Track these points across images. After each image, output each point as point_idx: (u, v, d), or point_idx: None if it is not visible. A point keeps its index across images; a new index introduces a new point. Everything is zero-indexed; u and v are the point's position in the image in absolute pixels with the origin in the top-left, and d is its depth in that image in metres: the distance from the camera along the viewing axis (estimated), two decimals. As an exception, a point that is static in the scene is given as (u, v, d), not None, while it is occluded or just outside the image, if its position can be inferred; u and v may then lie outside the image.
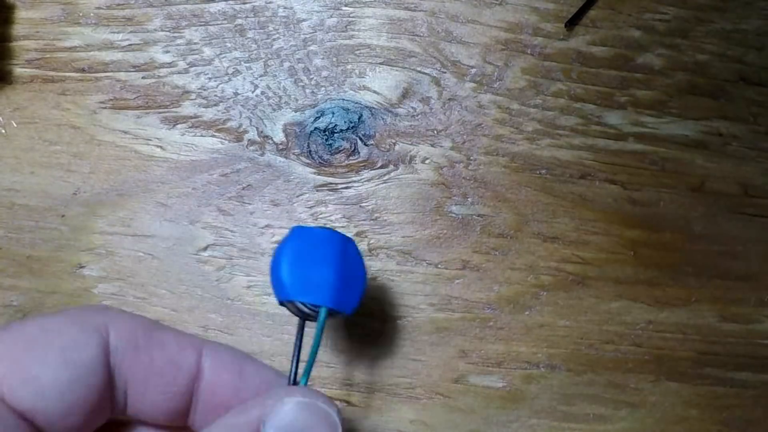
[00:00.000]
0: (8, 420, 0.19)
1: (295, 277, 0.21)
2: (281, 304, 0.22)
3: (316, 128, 0.29)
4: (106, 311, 0.21)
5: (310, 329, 0.22)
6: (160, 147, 0.29)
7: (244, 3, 0.29)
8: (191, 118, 0.29)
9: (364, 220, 0.28)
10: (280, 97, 0.29)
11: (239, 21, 0.29)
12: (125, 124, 0.29)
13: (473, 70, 0.29)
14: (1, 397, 0.19)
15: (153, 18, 0.29)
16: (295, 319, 0.22)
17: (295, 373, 0.22)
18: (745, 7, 0.30)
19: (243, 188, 0.29)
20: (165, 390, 0.21)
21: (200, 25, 0.29)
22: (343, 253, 0.22)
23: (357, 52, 0.29)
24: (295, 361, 0.22)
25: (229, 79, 0.29)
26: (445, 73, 0.29)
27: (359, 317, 0.28)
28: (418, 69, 0.29)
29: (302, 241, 0.22)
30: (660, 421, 0.28)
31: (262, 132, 0.29)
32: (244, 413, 0.19)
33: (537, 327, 0.28)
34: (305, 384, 0.21)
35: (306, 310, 0.21)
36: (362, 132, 0.29)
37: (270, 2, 0.29)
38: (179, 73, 0.29)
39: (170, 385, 0.21)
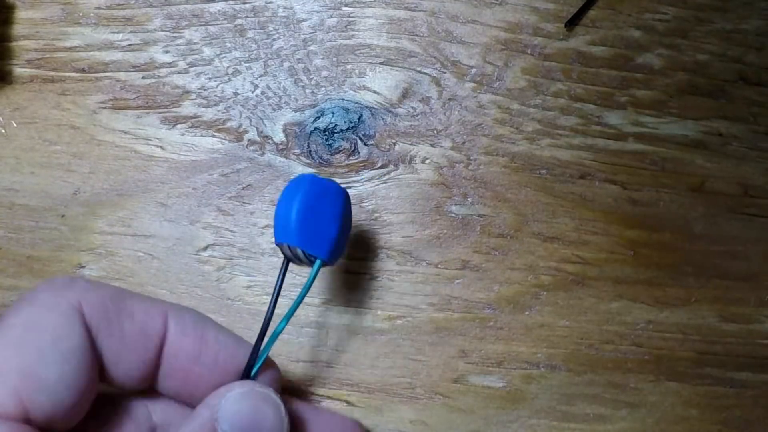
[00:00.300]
0: None
1: (303, 225, 0.22)
2: (278, 244, 0.22)
3: (316, 128, 0.29)
4: (73, 285, 0.21)
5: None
6: (160, 147, 0.29)
7: (244, 3, 0.29)
8: (191, 118, 0.29)
9: (364, 220, 0.28)
10: (280, 97, 0.29)
11: (239, 21, 0.29)
12: (125, 124, 0.29)
13: (473, 70, 0.29)
14: (26, 415, 0.19)
15: (153, 18, 0.29)
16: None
17: (270, 316, 0.22)
18: (745, 7, 0.30)
19: (243, 188, 0.29)
20: (136, 358, 0.21)
21: (200, 25, 0.29)
22: (344, 208, 0.23)
23: (357, 52, 0.29)
24: (273, 302, 0.22)
25: (229, 79, 0.29)
26: (445, 73, 0.29)
27: (358, 315, 0.28)
28: (418, 69, 0.29)
29: (313, 190, 0.22)
30: (660, 421, 0.28)
31: (262, 132, 0.29)
32: (196, 418, 0.21)
33: (537, 327, 0.28)
34: (268, 350, 0.22)
35: (302, 257, 0.22)
36: (362, 132, 0.29)
37: (270, 2, 0.29)
38: (179, 73, 0.29)
39: (141, 354, 0.21)
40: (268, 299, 0.28)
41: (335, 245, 0.23)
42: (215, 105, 0.29)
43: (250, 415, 0.21)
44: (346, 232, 0.24)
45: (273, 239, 0.28)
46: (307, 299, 0.28)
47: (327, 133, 0.29)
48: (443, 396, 0.28)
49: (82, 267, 0.28)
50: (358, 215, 0.28)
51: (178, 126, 0.29)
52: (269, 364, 0.23)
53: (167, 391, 0.22)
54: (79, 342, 0.20)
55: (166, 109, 0.29)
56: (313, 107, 0.29)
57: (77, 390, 0.20)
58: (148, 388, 0.22)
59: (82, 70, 0.29)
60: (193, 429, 0.20)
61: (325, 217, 0.23)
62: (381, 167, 0.29)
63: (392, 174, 0.29)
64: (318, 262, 0.22)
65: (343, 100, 0.29)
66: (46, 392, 0.19)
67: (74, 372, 0.19)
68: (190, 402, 0.22)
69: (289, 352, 0.28)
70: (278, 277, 0.23)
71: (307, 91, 0.29)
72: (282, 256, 0.23)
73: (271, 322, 0.22)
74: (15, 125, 0.29)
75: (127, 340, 0.21)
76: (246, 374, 0.22)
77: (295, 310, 0.22)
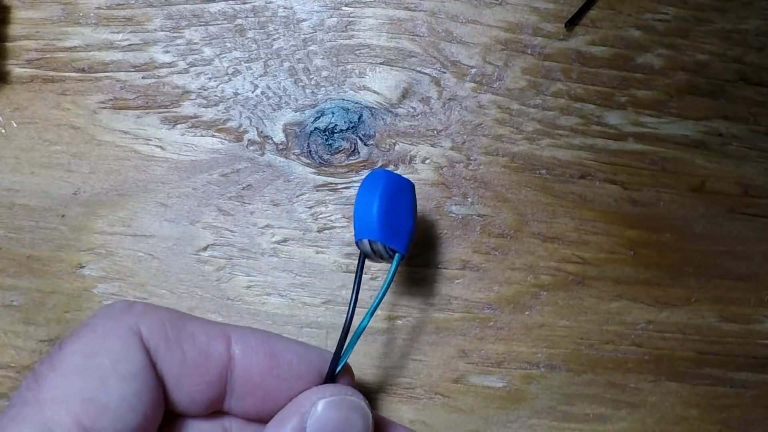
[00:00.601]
0: None
1: (384, 220, 0.23)
2: (358, 241, 0.23)
3: (316, 128, 0.29)
4: (131, 309, 0.21)
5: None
6: (160, 147, 0.29)
7: (244, 3, 0.29)
8: (191, 118, 0.29)
9: (364, 220, 0.28)
10: (280, 97, 0.29)
11: (239, 21, 0.29)
12: (125, 124, 0.29)
13: (473, 70, 0.29)
14: None
15: (153, 18, 0.29)
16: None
17: (352, 315, 0.23)
18: (745, 7, 0.30)
19: (243, 188, 0.29)
20: (199, 381, 0.21)
21: (200, 25, 0.29)
22: (415, 201, 0.24)
23: (357, 52, 0.29)
24: (353, 298, 0.23)
25: (229, 79, 0.29)
26: (445, 73, 0.29)
27: (358, 315, 0.28)
28: (418, 69, 0.29)
29: (389, 186, 0.23)
30: (660, 421, 0.28)
31: (262, 132, 0.29)
32: (285, 424, 0.20)
33: (537, 327, 0.28)
34: (350, 351, 0.22)
35: (382, 252, 0.23)
36: (362, 132, 0.29)
37: (270, 2, 0.29)
38: (179, 73, 0.29)
39: (204, 376, 0.21)
40: (268, 299, 0.28)
41: (411, 238, 0.23)
42: (215, 105, 0.29)
43: (340, 424, 0.21)
44: (415, 225, 0.24)
45: (273, 239, 0.28)
46: (307, 299, 0.28)
47: (327, 133, 0.29)
48: (443, 396, 0.28)
49: (82, 267, 0.28)
50: (358, 215, 0.28)
51: (178, 126, 0.29)
52: (345, 367, 0.23)
53: (241, 412, 0.22)
54: (140, 365, 0.20)
55: (166, 109, 0.29)
56: (313, 107, 0.29)
57: (140, 413, 0.19)
58: (216, 410, 0.22)
59: (82, 70, 0.29)
60: None
61: (401, 212, 0.23)
62: (381, 167, 0.29)
63: (392, 174, 0.29)
64: (398, 255, 0.23)
65: (343, 100, 0.29)
66: (109, 417, 0.19)
67: (136, 396, 0.19)
68: (265, 418, 0.22)
69: (289, 352, 0.28)
70: (356, 276, 0.23)
71: (307, 91, 0.29)
72: (358, 252, 0.23)
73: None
74: (15, 125, 0.29)
75: (188, 363, 0.21)
76: (329, 377, 0.22)
77: (376, 307, 0.23)
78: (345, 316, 0.22)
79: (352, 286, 0.22)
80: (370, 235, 0.23)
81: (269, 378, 0.22)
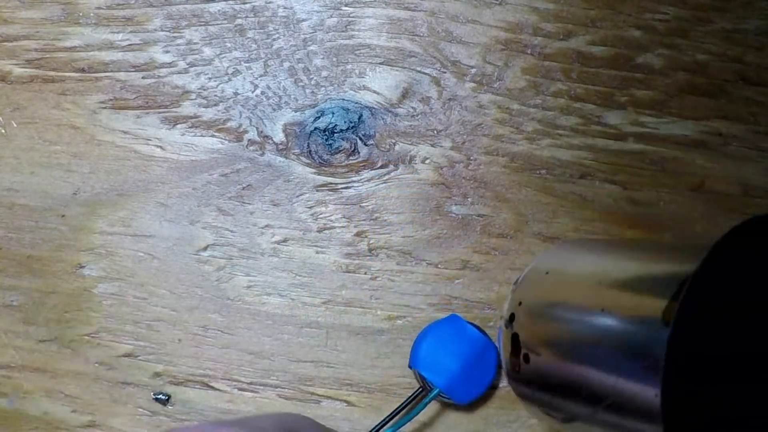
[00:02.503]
0: None
1: (427, 353, 0.26)
2: (411, 367, 0.26)
3: (316, 128, 0.29)
4: None
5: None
6: (160, 147, 0.29)
7: (244, 3, 0.29)
8: (191, 118, 0.29)
9: (364, 220, 0.28)
10: (280, 97, 0.29)
11: (239, 21, 0.29)
12: (125, 124, 0.29)
13: (473, 70, 0.29)
14: None
15: (153, 18, 0.29)
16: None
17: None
18: (745, 7, 0.30)
19: (243, 188, 0.29)
20: None
21: (200, 25, 0.29)
22: (481, 355, 0.26)
23: (357, 52, 0.29)
24: (393, 416, 0.26)
25: (229, 79, 0.29)
26: (445, 73, 0.29)
27: (358, 315, 0.28)
28: (418, 69, 0.29)
29: (451, 328, 0.26)
30: (660, 421, 0.28)
31: (262, 132, 0.29)
32: None
33: (537, 327, 0.28)
34: None
35: (424, 383, 0.26)
36: (362, 132, 0.29)
37: (270, 2, 0.29)
38: (179, 73, 0.29)
39: None
40: (268, 299, 0.28)
41: (457, 381, 0.26)
42: (215, 105, 0.29)
43: None
44: (482, 379, 0.26)
45: (273, 239, 0.28)
46: (307, 299, 0.28)
47: (327, 133, 0.29)
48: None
49: (82, 267, 0.28)
50: (358, 215, 0.28)
51: (178, 126, 0.29)
52: None
53: None
54: None
55: (166, 109, 0.29)
56: (313, 107, 0.29)
57: None
58: None
59: (82, 70, 0.29)
60: None
61: (453, 354, 0.26)
62: (381, 167, 0.29)
63: (392, 174, 0.29)
64: (436, 390, 0.26)
65: (343, 100, 0.29)
66: None
67: None
68: None
69: (290, 352, 0.28)
70: (408, 399, 0.26)
71: (307, 91, 0.29)
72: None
73: None
74: (15, 125, 0.29)
75: None
76: None
77: (404, 424, 0.25)
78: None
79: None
80: (413, 364, 0.26)
81: None
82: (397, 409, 0.26)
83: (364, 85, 0.29)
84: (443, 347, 0.26)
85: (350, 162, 0.29)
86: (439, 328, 0.27)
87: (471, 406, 0.28)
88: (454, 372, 0.26)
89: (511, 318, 0.23)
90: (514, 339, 0.22)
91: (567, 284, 0.22)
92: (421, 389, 0.26)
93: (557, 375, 0.20)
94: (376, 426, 0.25)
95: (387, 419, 0.25)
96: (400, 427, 0.25)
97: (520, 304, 0.23)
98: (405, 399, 0.26)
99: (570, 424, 0.20)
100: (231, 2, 0.29)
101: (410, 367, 0.26)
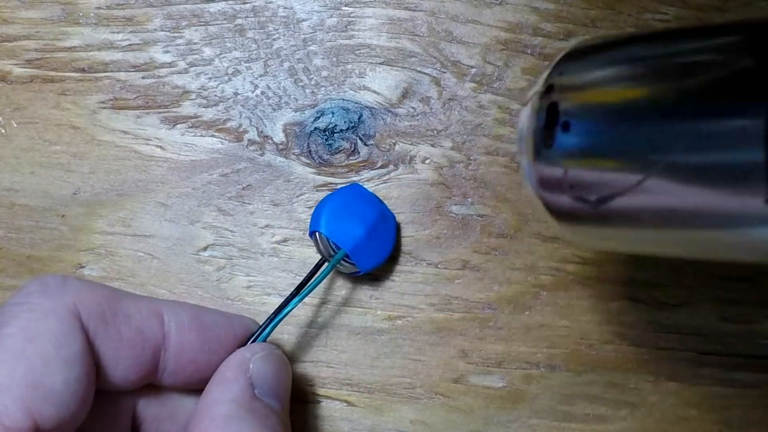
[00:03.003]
0: None
1: (332, 217, 0.26)
2: (311, 234, 0.26)
3: (316, 128, 0.29)
4: (66, 286, 0.21)
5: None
6: (160, 147, 0.29)
7: (244, 3, 0.29)
8: (191, 118, 0.29)
9: (364, 220, 0.28)
10: (280, 97, 0.29)
11: (239, 21, 0.29)
12: (125, 124, 0.29)
13: (473, 70, 0.29)
14: (35, 427, 0.19)
15: (153, 18, 0.29)
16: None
17: (295, 294, 0.25)
18: (745, 7, 0.30)
19: (243, 188, 0.29)
20: (134, 362, 0.21)
21: (200, 25, 0.29)
22: (382, 222, 0.26)
23: (357, 52, 0.29)
24: (297, 291, 0.25)
25: (229, 79, 0.29)
26: (445, 73, 0.29)
27: (358, 315, 0.28)
28: (418, 69, 0.29)
29: (353, 196, 0.26)
30: (660, 421, 0.28)
31: (262, 132, 0.29)
32: (232, 384, 0.22)
33: (537, 327, 0.28)
34: (279, 320, 0.25)
35: (329, 247, 0.26)
36: (362, 132, 0.29)
37: (270, 2, 0.29)
38: (179, 73, 0.29)
39: (139, 357, 0.22)
40: (268, 299, 0.28)
41: (361, 247, 0.26)
42: (215, 105, 0.29)
43: (274, 376, 0.23)
44: (383, 247, 0.27)
45: (273, 239, 0.28)
46: (307, 299, 0.28)
47: (327, 133, 0.29)
48: (443, 396, 0.28)
49: (82, 267, 0.28)
50: (358, 215, 0.29)
51: (178, 126, 0.29)
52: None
53: (169, 383, 0.23)
54: (80, 348, 0.20)
55: (166, 109, 0.29)
56: (313, 107, 0.29)
57: (82, 396, 0.20)
58: (147, 383, 0.23)
59: (82, 70, 0.29)
60: (234, 395, 0.21)
61: (357, 219, 0.26)
62: (381, 167, 0.29)
63: (392, 174, 0.29)
64: (342, 251, 0.25)
65: (343, 100, 0.29)
66: (54, 402, 0.19)
67: (78, 379, 0.19)
68: (191, 386, 0.23)
69: (289, 352, 0.28)
70: (310, 272, 0.26)
71: (307, 91, 0.29)
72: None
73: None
74: (15, 125, 0.29)
75: (125, 344, 0.21)
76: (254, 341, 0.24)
77: (310, 291, 0.25)
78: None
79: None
80: (317, 227, 0.26)
81: (200, 352, 0.23)
82: (299, 284, 0.25)
83: (364, 85, 0.29)
84: (347, 211, 0.26)
85: (350, 162, 0.29)
86: (341, 193, 0.26)
87: (471, 405, 0.28)
88: (359, 236, 0.26)
89: (548, 89, 0.20)
90: (551, 109, 0.19)
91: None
92: (322, 260, 0.26)
93: (606, 135, 0.17)
94: (281, 305, 0.25)
95: (290, 297, 0.25)
96: (303, 298, 0.25)
97: (561, 74, 0.20)
98: (308, 272, 0.25)
99: (603, 207, 0.17)
100: (231, 2, 0.29)
101: (311, 234, 0.26)
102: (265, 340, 0.25)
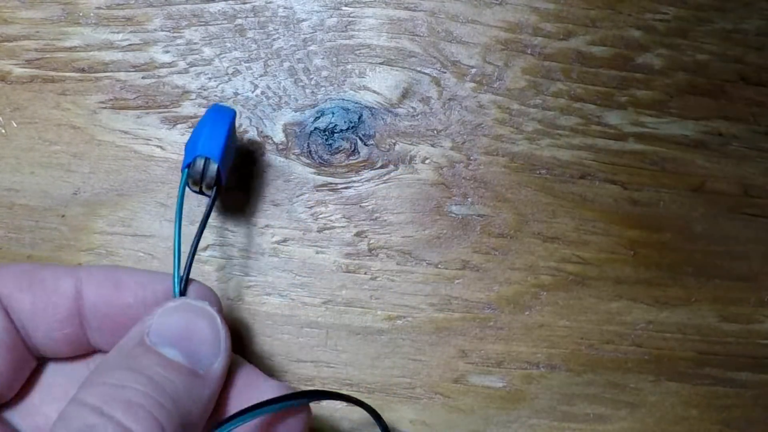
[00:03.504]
0: None
1: (188, 148, 0.24)
2: (186, 168, 0.24)
3: (316, 128, 0.29)
4: None
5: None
6: (160, 147, 0.29)
7: (244, 3, 0.29)
8: (191, 118, 0.29)
9: (364, 220, 0.28)
10: (280, 97, 0.29)
11: (239, 21, 0.29)
12: (125, 124, 0.29)
13: (473, 70, 0.29)
14: None
15: (153, 18, 0.29)
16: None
17: (200, 236, 0.24)
18: (745, 7, 0.30)
19: (243, 188, 0.29)
20: (51, 320, 0.22)
21: (200, 25, 0.29)
22: (213, 114, 0.25)
23: (357, 52, 0.29)
24: (202, 226, 0.24)
25: (229, 79, 0.29)
26: (445, 73, 0.29)
27: (358, 315, 0.28)
28: (418, 69, 0.29)
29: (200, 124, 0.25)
30: (660, 421, 0.28)
31: (262, 132, 0.29)
32: (128, 334, 0.21)
33: (537, 327, 0.28)
34: (190, 263, 0.23)
35: (197, 167, 0.24)
36: (362, 132, 0.29)
37: (270, 2, 0.29)
38: (179, 73, 0.29)
39: (54, 315, 0.22)
40: (268, 299, 0.28)
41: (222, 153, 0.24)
42: (215, 105, 0.29)
43: (180, 327, 0.21)
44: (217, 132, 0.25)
45: (273, 239, 0.28)
46: (306, 299, 0.28)
47: (327, 133, 0.29)
48: (443, 396, 0.28)
49: (82, 267, 0.28)
50: (358, 215, 0.28)
51: (178, 126, 0.29)
52: (203, 288, 0.24)
53: (104, 347, 0.23)
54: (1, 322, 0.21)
55: (166, 109, 0.29)
56: (313, 107, 0.29)
57: (9, 364, 0.21)
58: (89, 351, 0.23)
59: (82, 70, 0.29)
60: (124, 343, 0.21)
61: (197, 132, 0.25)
62: (381, 167, 0.29)
63: (392, 174, 0.29)
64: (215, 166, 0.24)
65: (343, 100, 0.29)
66: None
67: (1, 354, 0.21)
68: None
69: (289, 352, 0.28)
70: (205, 214, 0.24)
71: (307, 91, 0.29)
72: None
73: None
74: (15, 125, 0.29)
75: (38, 304, 0.22)
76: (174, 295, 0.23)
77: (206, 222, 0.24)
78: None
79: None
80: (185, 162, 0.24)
81: (118, 310, 0.22)
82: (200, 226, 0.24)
83: (364, 85, 0.29)
84: (193, 136, 0.25)
85: (350, 162, 0.29)
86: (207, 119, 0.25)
87: (471, 405, 0.28)
88: (201, 135, 0.24)
89: None
90: None
91: None
92: (198, 187, 0.25)
93: None
94: (192, 249, 0.24)
95: (198, 234, 0.24)
96: (204, 228, 0.24)
97: None
98: (206, 208, 0.25)
99: None
100: (231, 2, 0.29)
101: (183, 168, 0.25)
102: (184, 287, 0.23)
